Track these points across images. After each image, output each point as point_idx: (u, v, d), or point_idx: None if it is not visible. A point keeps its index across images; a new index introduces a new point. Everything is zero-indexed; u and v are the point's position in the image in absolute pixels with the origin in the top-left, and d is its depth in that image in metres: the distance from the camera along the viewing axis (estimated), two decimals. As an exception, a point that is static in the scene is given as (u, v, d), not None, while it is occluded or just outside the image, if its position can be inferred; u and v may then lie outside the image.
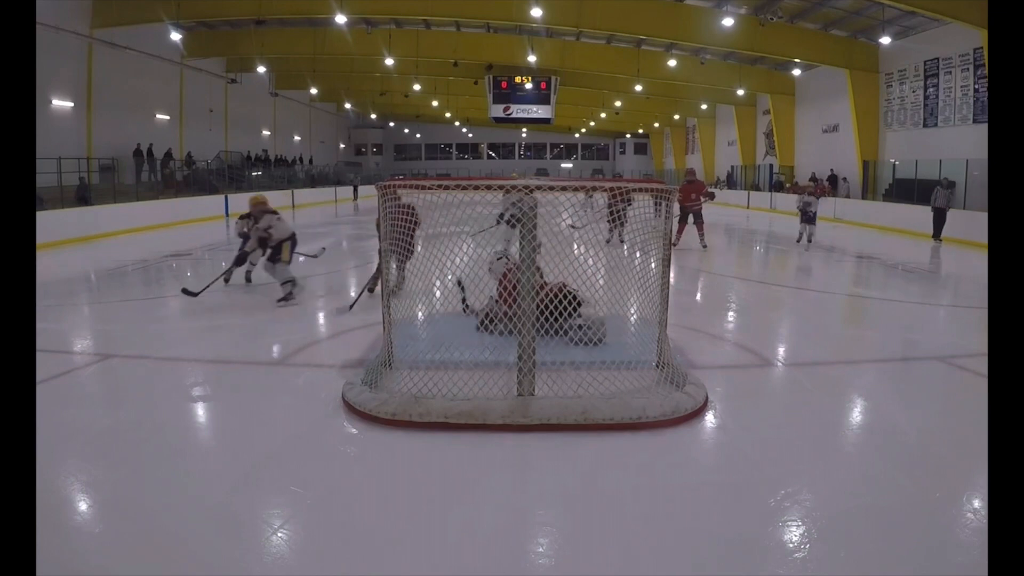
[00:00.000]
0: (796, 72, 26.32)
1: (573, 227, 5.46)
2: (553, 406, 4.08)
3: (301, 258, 9.42)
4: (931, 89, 20.06)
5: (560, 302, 5.01)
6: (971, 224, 14.70)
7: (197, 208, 20.68)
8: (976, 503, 3.19)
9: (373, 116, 45.99)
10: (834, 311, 7.95)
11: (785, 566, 2.70)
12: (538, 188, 4.15)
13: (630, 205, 4.96)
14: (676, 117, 41.58)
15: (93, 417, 4.37)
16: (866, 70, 22.55)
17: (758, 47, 22.04)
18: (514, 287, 4.92)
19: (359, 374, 4.76)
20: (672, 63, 25.55)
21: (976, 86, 18.14)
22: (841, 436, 4.24)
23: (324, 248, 10.68)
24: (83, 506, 3.24)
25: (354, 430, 4.07)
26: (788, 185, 27.97)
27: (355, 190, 37.55)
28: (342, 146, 50.16)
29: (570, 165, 55.46)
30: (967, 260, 12.43)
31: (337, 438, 4.04)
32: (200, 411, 4.56)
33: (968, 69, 18.39)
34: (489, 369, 4.60)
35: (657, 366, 4.81)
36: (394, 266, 5.73)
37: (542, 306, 4.53)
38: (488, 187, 4.68)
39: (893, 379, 5.37)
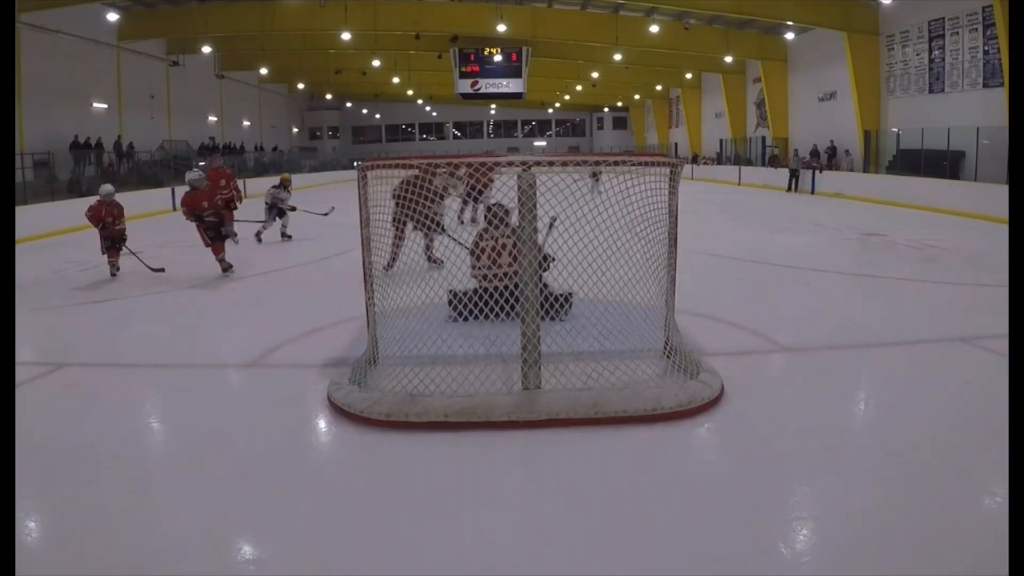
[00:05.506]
0: (789, 36, 26.46)
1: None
2: (562, 399, 4.11)
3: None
4: (936, 52, 20.09)
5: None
6: (982, 197, 14.85)
7: (141, 203, 20.25)
8: (999, 498, 3.16)
9: (328, 96, 45.60)
10: (845, 292, 8.06)
11: (819, 566, 2.75)
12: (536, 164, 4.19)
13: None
14: (658, 88, 41.72)
15: (59, 430, 4.25)
16: (865, 32, 22.60)
17: (747, 9, 22.12)
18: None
19: (345, 373, 4.76)
20: (653, 29, 25.54)
21: (986, 47, 18.10)
22: (870, 424, 4.32)
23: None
24: (63, 525, 3.17)
25: (345, 434, 4.07)
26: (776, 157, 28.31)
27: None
28: (295, 130, 49.60)
29: (544, 143, 55.26)
30: (980, 235, 12.63)
31: (326, 444, 4.05)
32: (178, 420, 4.51)
33: (977, 29, 18.38)
34: (490, 362, 4.61)
35: (665, 352, 4.85)
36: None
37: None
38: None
39: (916, 362, 5.37)
